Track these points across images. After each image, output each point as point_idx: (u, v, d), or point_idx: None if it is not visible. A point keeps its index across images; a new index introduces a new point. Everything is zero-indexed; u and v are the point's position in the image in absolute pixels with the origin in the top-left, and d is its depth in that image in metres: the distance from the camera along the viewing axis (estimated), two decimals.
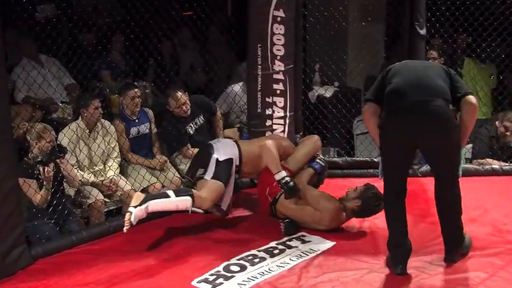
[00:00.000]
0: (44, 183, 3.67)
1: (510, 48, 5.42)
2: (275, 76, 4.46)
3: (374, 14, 5.77)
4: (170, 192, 3.53)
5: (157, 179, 4.44)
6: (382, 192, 3.32)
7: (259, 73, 4.43)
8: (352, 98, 5.36)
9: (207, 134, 4.74)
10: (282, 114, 4.53)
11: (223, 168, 3.70)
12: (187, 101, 4.58)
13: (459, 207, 3.18)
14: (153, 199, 3.45)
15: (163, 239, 3.66)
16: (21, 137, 3.98)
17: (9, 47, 4.81)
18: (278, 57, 4.42)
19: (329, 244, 3.59)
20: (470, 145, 4.94)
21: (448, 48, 5.61)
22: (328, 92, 5.63)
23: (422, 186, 4.24)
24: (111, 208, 4.32)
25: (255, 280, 3.20)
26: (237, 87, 5.16)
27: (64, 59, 5.06)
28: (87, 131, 4.28)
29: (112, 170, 4.32)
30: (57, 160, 3.76)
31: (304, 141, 4.23)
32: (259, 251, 3.50)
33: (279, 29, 4.38)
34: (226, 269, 3.30)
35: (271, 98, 4.49)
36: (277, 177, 3.65)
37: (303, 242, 3.62)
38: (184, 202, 3.50)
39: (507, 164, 4.77)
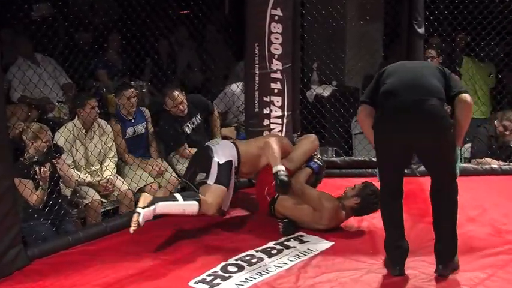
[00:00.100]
0: (40, 183, 3.66)
1: (509, 47, 5.42)
2: (273, 75, 4.44)
3: (372, 13, 5.76)
4: (178, 196, 3.54)
5: (154, 179, 4.42)
6: None
7: (257, 72, 4.42)
8: (350, 97, 5.35)
9: (204, 134, 4.73)
10: (279, 113, 4.52)
11: (225, 172, 3.70)
12: (184, 100, 4.56)
13: (455, 211, 3.08)
14: (161, 201, 3.47)
15: (160, 240, 3.64)
16: (17, 137, 3.97)
17: (4, 46, 4.81)
18: (276, 56, 4.41)
19: (327, 244, 3.58)
20: (469, 144, 4.94)
21: (447, 47, 5.60)
22: (326, 91, 5.62)
23: (421, 186, 4.21)
24: (107, 208, 4.30)
25: (252, 280, 3.18)
26: (234, 87, 5.14)
27: (60, 58, 5.07)
28: (84, 131, 4.26)
29: (109, 170, 4.31)
30: (53, 160, 3.73)
31: (302, 140, 4.22)
32: (257, 251, 3.49)
33: (277, 27, 4.37)
34: (224, 269, 3.29)
35: (268, 97, 4.47)
36: (274, 169, 3.63)
37: (301, 242, 3.61)
38: (191, 207, 3.52)
39: (506, 164, 4.76)
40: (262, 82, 4.44)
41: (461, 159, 4.87)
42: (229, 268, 3.29)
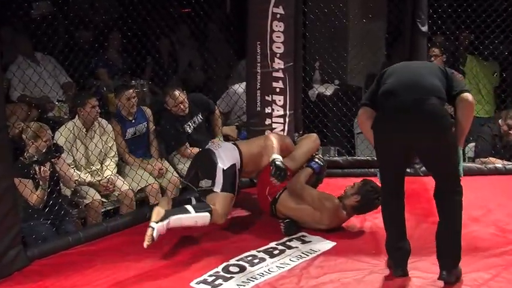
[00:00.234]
0: (40, 183, 3.64)
1: None
2: (274, 74, 4.42)
3: (375, 11, 5.73)
4: (190, 208, 3.54)
5: (155, 179, 4.39)
6: None
7: (259, 71, 4.40)
8: (352, 96, 5.32)
9: (205, 133, 4.71)
10: (281, 112, 4.50)
11: (230, 178, 3.70)
12: (185, 100, 4.54)
13: (458, 213, 3.02)
14: (174, 215, 3.46)
15: (161, 240, 3.60)
16: (16, 136, 3.95)
17: (4, 44, 4.81)
18: (278, 55, 4.39)
19: (330, 244, 3.56)
20: (473, 144, 4.93)
21: (450, 46, 5.58)
22: (328, 90, 5.60)
23: (424, 186, 4.20)
24: (108, 208, 4.28)
25: (254, 281, 3.17)
26: (237, 87, 5.11)
27: (60, 56, 5.05)
28: (84, 130, 4.24)
29: (109, 169, 4.28)
30: (53, 160, 3.71)
31: (303, 139, 4.19)
32: (258, 251, 3.47)
33: (279, 26, 4.35)
34: (226, 269, 3.27)
35: (270, 96, 4.45)
36: (271, 158, 3.60)
37: (303, 242, 3.59)
38: (203, 218, 3.53)
39: (510, 163, 4.73)
40: (264, 81, 4.42)
41: (464, 158, 4.84)
42: (231, 268, 3.28)
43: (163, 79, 5.37)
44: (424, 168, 4.50)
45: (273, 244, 3.56)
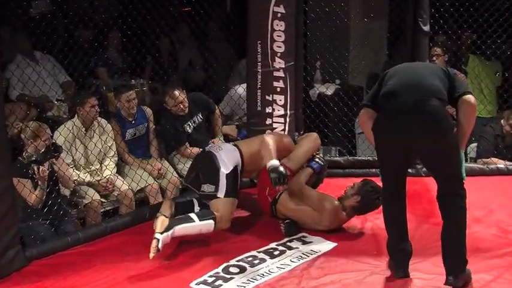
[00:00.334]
0: (39, 183, 3.62)
1: None
2: (275, 73, 4.41)
3: (376, 10, 5.71)
4: (193, 216, 3.51)
5: (155, 179, 4.37)
6: None
7: (259, 70, 4.38)
8: (353, 96, 5.31)
9: (205, 133, 4.69)
10: (282, 112, 4.48)
11: (232, 182, 3.68)
12: (185, 99, 4.52)
13: (462, 217, 2.98)
14: (179, 224, 3.44)
15: None
16: (15, 135, 3.96)
17: (3, 43, 4.79)
18: (278, 54, 4.37)
19: (330, 245, 3.55)
20: (475, 144, 4.91)
21: (453, 45, 5.56)
22: (329, 90, 5.59)
23: (426, 186, 4.18)
24: (107, 208, 4.26)
25: (254, 282, 3.16)
26: (240, 89, 5.09)
27: (59, 55, 5.05)
28: (84, 130, 4.22)
29: (109, 169, 4.26)
30: (52, 159, 3.69)
31: (303, 139, 4.17)
32: (259, 252, 3.46)
33: (279, 25, 4.33)
34: (226, 270, 3.26)
35: (271, 96, 4.44)
36: (268, 164, 3.54)
37: (304, 243, 3.58)
38: (207, 226, 3.52)
39: None
40: (264, 80, 4.40)
41: (466, 159, 4.82)
42: (231, 269, 3.27)
43: (163, 78, 5.35)
44: (425, 169, 4.49)
45: (273, 245, 3.54)
